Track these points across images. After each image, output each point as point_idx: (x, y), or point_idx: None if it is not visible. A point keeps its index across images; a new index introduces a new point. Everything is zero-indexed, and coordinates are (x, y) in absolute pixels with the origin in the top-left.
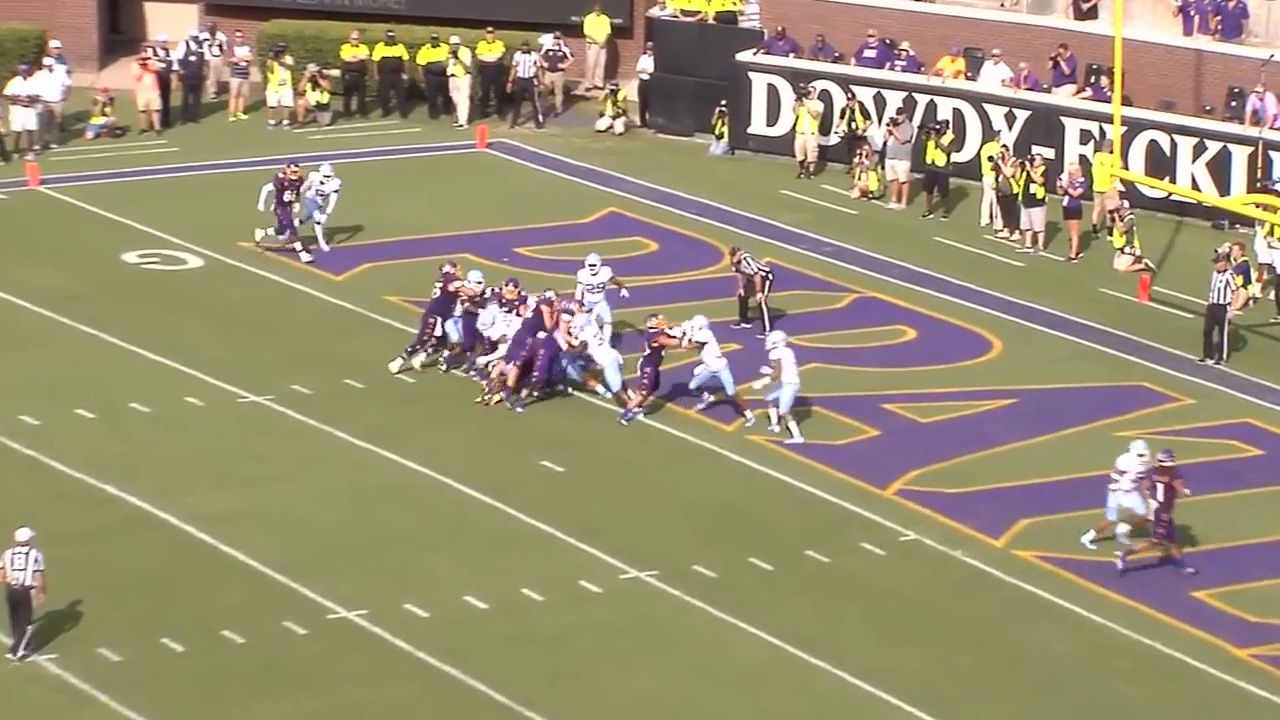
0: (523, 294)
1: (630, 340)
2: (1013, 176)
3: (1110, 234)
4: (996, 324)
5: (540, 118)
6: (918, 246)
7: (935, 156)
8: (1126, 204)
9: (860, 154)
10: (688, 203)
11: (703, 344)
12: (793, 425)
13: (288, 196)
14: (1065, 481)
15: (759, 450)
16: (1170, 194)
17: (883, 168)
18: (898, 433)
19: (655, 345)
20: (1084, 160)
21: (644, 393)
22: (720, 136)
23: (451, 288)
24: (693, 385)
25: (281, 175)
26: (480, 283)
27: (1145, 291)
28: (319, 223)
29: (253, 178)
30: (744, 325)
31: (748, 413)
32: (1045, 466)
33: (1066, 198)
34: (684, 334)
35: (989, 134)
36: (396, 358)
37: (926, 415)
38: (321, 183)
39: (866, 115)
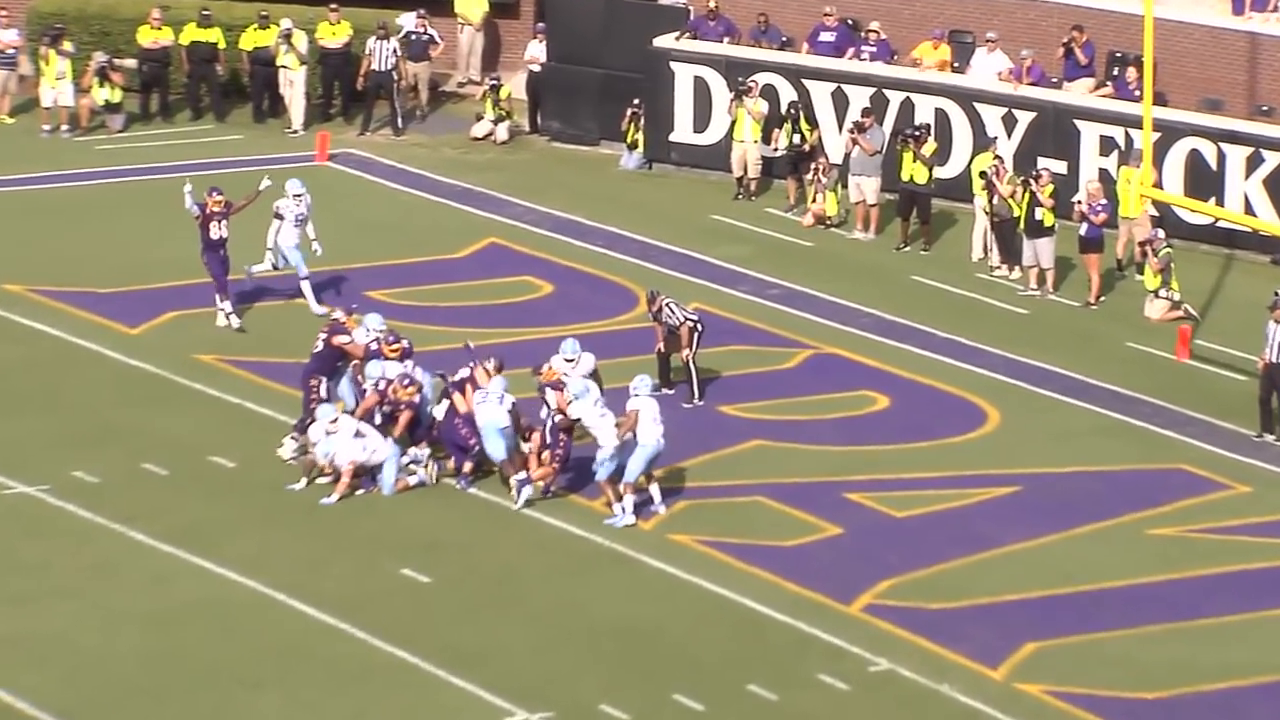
0: (408, 347)
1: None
2: (1012, 197)
3: (1140, 272)
4: (993, 389)
5: (399, 122)
6: (891, 288)
7: (913, 172)
8: (1161, 233)
9: (816, 169)
10: (592, 232)
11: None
12: (627, 503)
13: (216, 232)
14: (1083, 594)
15: (685, 555)
16: (1217, 220)
17: (845, 186)
18: (866, 530)
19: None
20: (1105, 177)
21: (555, 465)
22: (633, 146)
23: (336, 342)
24: (598, 472)
25: (203, 204)
26: (380, 330)
27: (1185, 346)
28: (304, 277)
29: (19, 201)
30: (665, 391)
31: (618, 506)
32: (1057, 574)
33: (1083, 225)
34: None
35: (982, 142)
36: (286, 438)
37: (903, 508)
38: (296, 199)
39: (813, 122)
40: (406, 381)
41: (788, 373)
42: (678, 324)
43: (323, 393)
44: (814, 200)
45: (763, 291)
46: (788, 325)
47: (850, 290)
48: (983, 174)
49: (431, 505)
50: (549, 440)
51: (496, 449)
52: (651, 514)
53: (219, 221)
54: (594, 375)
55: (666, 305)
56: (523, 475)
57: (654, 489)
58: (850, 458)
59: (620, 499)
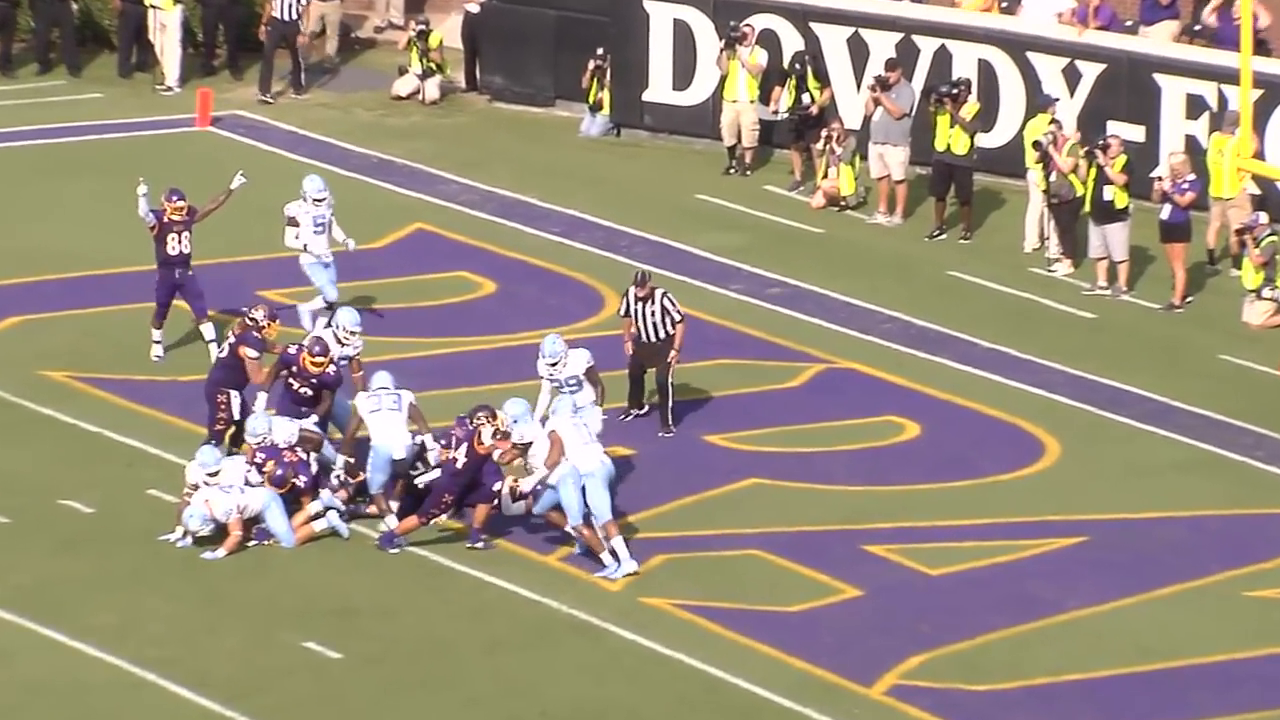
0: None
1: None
2: (1074, 172)
3: (1237, 266)
4: (1051, 414)
5: (302, 77)
6: (922, 286)
7: (950, 140)
8: (1264, 218)
9: (828, 137)
10: (545, 216)
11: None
12: (618, 545)
13: (174, 246)
14: (1163, 672)
15: (663, 623)
16: None
17: (864, 158)
18: (891, 592)
19: (481, 453)
20: (1193, 146)
21: (423, 519)
22: (597, 108)
23: (241, 353)
24: (537, 509)
25: (160, 210)
26: (348, 333)
27: None
28: (330, 299)
29: None
30: (636, 413)
31: (608, 557)
32: (1131, 647)
33: (1165, 207)
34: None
35: (1037, 103)
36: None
37: (938, 563)
38: (316, 202)
39: (824, 78)
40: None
41: (791, 393)
42: (676, 321)
43: (234, 411)
44: (825, 176)
45: (761, 291)
46: (792, 333)
47: (871, 289)
48: (1037, 143)
49: (343, 561)
50: (443, 483)
51: (376, 482)
52: (617, 574)
53: (179, 234)
54: (589, 376)
55: (665, 296)
56: (390, 525)
57: (610, 546)
58: (870, 500)
59: (610, 539)
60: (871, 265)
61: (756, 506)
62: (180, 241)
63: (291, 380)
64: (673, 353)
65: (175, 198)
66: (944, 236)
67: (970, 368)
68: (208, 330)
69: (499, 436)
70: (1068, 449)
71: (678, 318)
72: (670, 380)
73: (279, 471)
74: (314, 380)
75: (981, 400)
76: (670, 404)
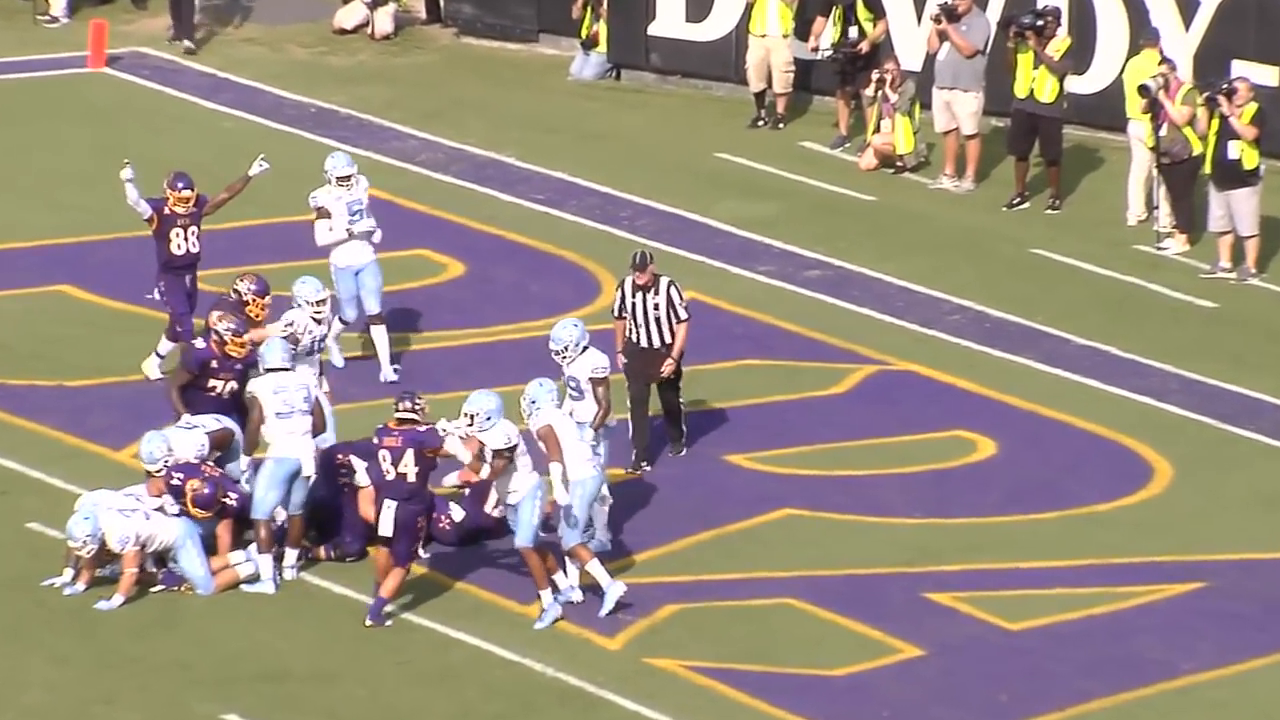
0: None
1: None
2: (1190, 124)
3: None
4: (1162, 427)
5: (195, 11)
6: (999, 268)
7: (1035, 84)
8: None
9: (881, 80)
10: (526, 180)
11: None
12: (563, 580)
13: (179, 244)
14: None
15: (674, 689)
16: None
17: (926, 107)
18: (961, 651)
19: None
20: None
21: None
22: (591, 44)
23: (226, 344)
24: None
25: (160, 200)
26: (309, 303)
27: None
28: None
29: None
30: (647, 467)
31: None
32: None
33: None
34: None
35: (1142, 38)
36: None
37: (1019, 615)
38: (342, 182)
39: (876, 7)
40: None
41: (835, 402)
42: (680, 319)
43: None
44: (877, 129)
45: (796, 274)
46: (836, 327)
47: (934, 271)
48: (1144, 88)
49: (272, 613)
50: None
51: (266, 503)
52: (616, 624)
53: (185, 229)
54: (594, 388)
55: (672, 286)
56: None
57: (598, 571)
58: (934, 536)
59: (556, 572)
60: (935, 241)
61: (791, 544)
62: (187, 239)
63: (213, 382)
64: (667, 363)
65: (180, 185)
66: (1026, 205)
67: (1060, 370)
68: (165, 346)
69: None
70: (1181, 472)
71: (683, 315)
72: (682, 402)
73: (206, 490)
74: (239, 369)
75: (1073, 411)
76: (684, 421)
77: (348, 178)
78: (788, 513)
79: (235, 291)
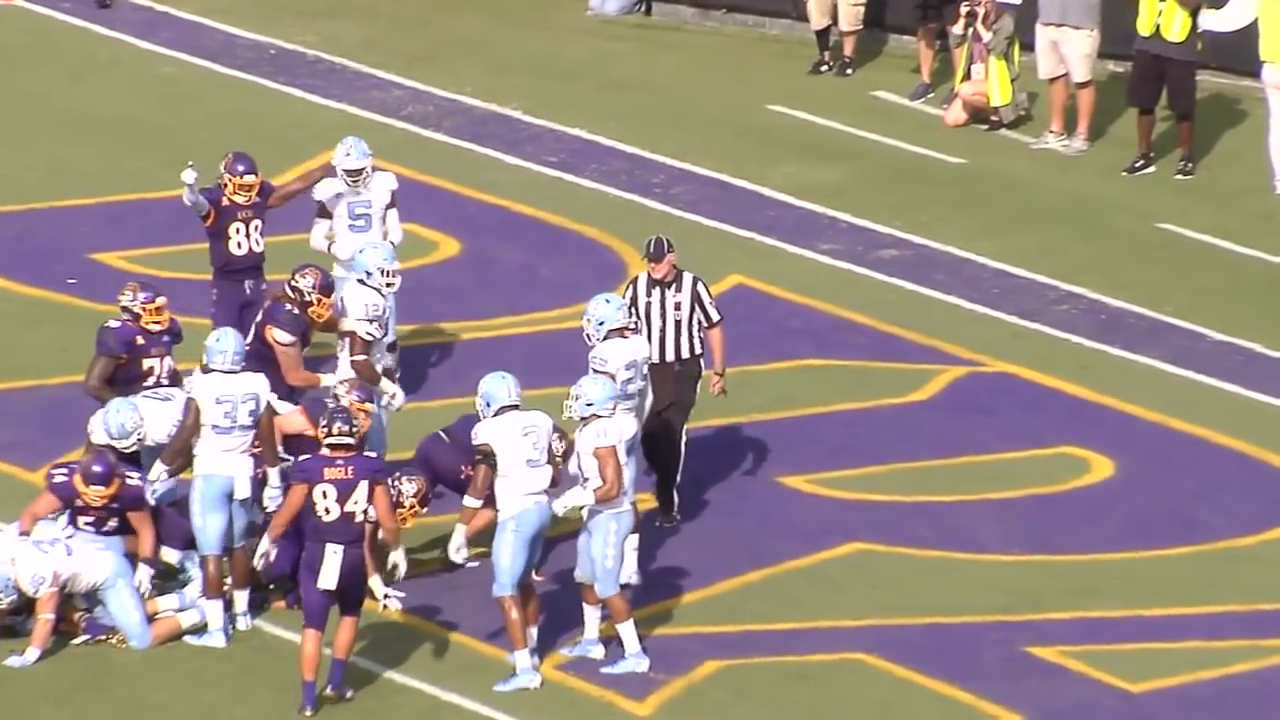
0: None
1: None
2: None
3: None
4: None
5: None
6: (1119, 247)
7: (1162, 19)
8: None
9: (971, 15)
10: (537, 138)
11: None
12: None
13: (240, 241)
14: None
15: None
16: None
17: (1028, 48)
18: (1073, 717)
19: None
20: None
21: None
22: None
23: (271, 337)
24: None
25: (216, 190)
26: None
27: None
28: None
29: None
30: (663, 522)
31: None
32: None
33: None
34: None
35: None
36: None
37: (1143, 673)
38: (352, 177)
39: None
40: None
41: (916, 411)
42: (712, 322)
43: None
44: (967, 76)
45: (868, 254)
46: (916, 319)
47: (1039, 251)
48: None
49: (223, 671)
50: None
51: (210, 532)
52: (647, 684)
53: (247, 223)
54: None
55: (699, 283)
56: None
57: (630, 636)
58: (1039, 577)
59: (535, 624)
60: (1039, 214)
61: (862, 585)
62: (249, 235)
63: (147, 363)
64: (716, 380)
65: (241, 168)
66: (1152, 169)
67: (1192, 372)
68: None
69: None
70: None
71: (715, 315)
72: (685, 437)
73: (98, 466)
74: (168, 342)
75: (1209, 423)
76: (680, 473)
77: (358, 171)
78: (857, 547)
79: (294, 290)
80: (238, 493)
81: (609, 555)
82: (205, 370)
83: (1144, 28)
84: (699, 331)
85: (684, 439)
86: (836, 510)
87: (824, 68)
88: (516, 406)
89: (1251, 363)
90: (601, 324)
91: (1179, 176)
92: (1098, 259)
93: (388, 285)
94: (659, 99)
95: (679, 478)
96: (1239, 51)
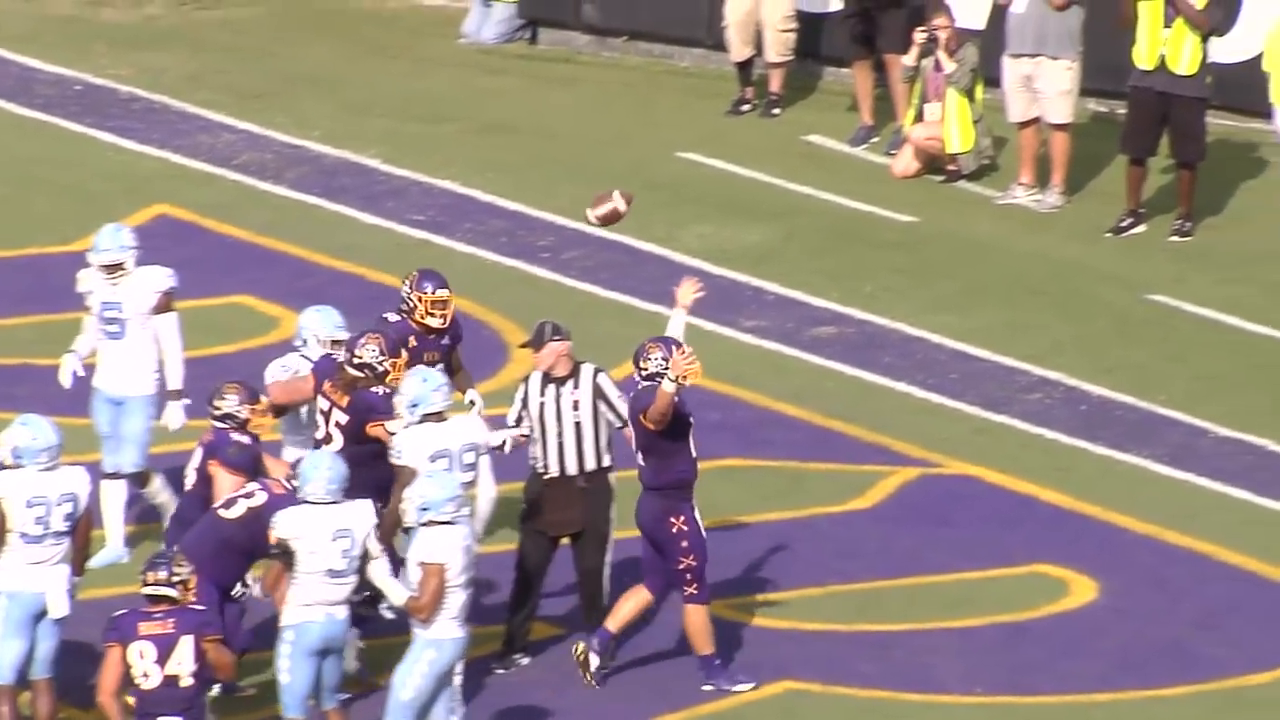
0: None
1: None
2: None
3: None
4: None
5: None
6: (1104, 323)
7: (1168, 47)
8: None
9: (932, 39)
10: (399, 194)
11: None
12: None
13: None
14: None
15: None
16: None
17: (992, 84)
18: None
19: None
20: None
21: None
22: None
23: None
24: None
25: (402, 332)
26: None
27: None
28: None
29: None
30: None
31: None
32: None
33: None
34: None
35: None
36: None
37: None
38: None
39: None
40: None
41: (859, 521)
42: (622, 422)
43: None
44: (919, 117)
45: (801, 331)
46: (860, 410)
47: (1005, 329)
48: None
49: None
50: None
51: (5, 660)
52: None
53: (431, 363)
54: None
55: (599, 376)
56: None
57: None
58: None
59: None
60: (1007, 284)
61: None
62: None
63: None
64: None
65: (430, 285)
66: (1142, 229)
67: (1193, 474)
68: None
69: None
70: None
71: (624, 415)
72: (608, 565)
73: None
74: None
75: (1213, 535)
76: (605, 605)
77: (112, 267)
78: (788, 686)
79: (361, 366)
80: (51, 611)
81: (408, 685)
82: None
83: (1145, 60)
84: (607, 437)
85: (607, 572)
86: (764, 641)
87: (746, 107)
88: (336, 502)
89: (1262, 464)
90: (414, 406)
91: (1175, 238)
92: (1078, 338)
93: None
94: (547, 145)
95: (605, 604)
96: (1246, 89)
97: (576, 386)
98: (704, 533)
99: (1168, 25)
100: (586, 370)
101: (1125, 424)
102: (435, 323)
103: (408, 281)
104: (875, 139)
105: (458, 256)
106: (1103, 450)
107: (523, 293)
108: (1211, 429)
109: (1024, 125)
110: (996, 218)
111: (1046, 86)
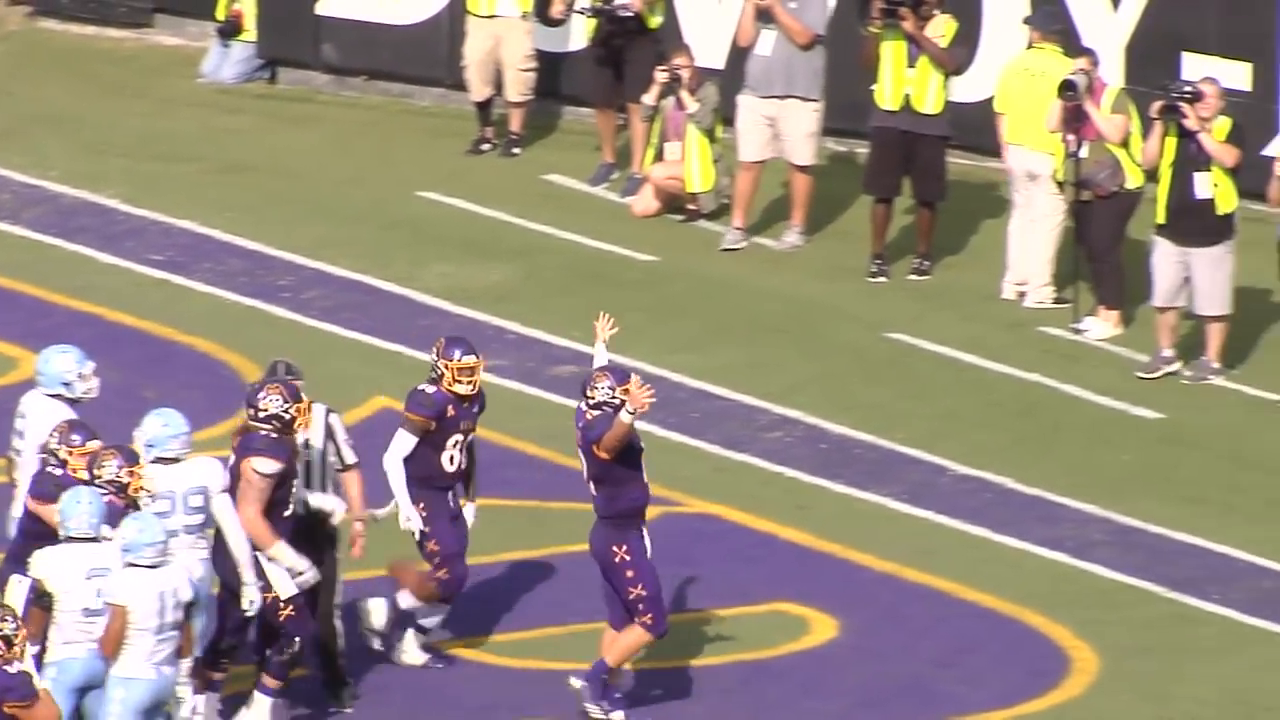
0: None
1: None
2: (1124, 146)
3: None
4: (1086, 598)
5: None
6: (845, 363)
7: (913, 87)
8: None
9: (675, 78)
10: (137, 234)
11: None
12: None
13: (452, 455)
14: None
15: None
16: None
17: (731, 124)
18: None
19: None
20: None
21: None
22: (233, 30)
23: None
24: None
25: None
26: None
27: None
28: None
29: None
30: None
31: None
32: None
33: None
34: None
35: (1032, 20)
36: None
37: None
38: None
39: None
40: None
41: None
42: (348, 463)
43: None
44: (659, 156)
45: (542, 371)
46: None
47: (745, 368)
48: (1068, 85)
49: None
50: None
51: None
52: None
53: (466, 434)
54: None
55: (330, 416)
56: None
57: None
58: None
59: None
60: (747, 323)
61: None
62: (463, 446)
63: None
64: (355, 534)
65: (460, 351)
66: (881, 275)
67: (932, 513)
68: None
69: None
70: (1112, 664)
71: (350, 458)
72: (338, 612)
73: None
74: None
75: (953, 574)
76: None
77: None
78: None
79: (269, 419)
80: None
81: None
82: None
83: (889, 100)
84: (335, 473)
85: (337, 614)
86: (503, 680)
87: (486, 146)
88: (94, 539)
89: (1000, 500)
90: (150, 446)
91: (913, 277)
92: (818, 376)
93: (86, 394)
94: (287, 184)
95: (342, 661)
96: (983, 128)
97: (308, 426)
98: (650, 560)
99: (911, 65)
100: (319, 410)
101: (865, 462)
102: (463, 389)
103: (435, 349)
104: (616, 176)
105: (196, 296)
106: (842, 488)
107: (262, 332)
108: (950, 466)
109: (749, 166)
110: (736, 257)
111: (792, 129)
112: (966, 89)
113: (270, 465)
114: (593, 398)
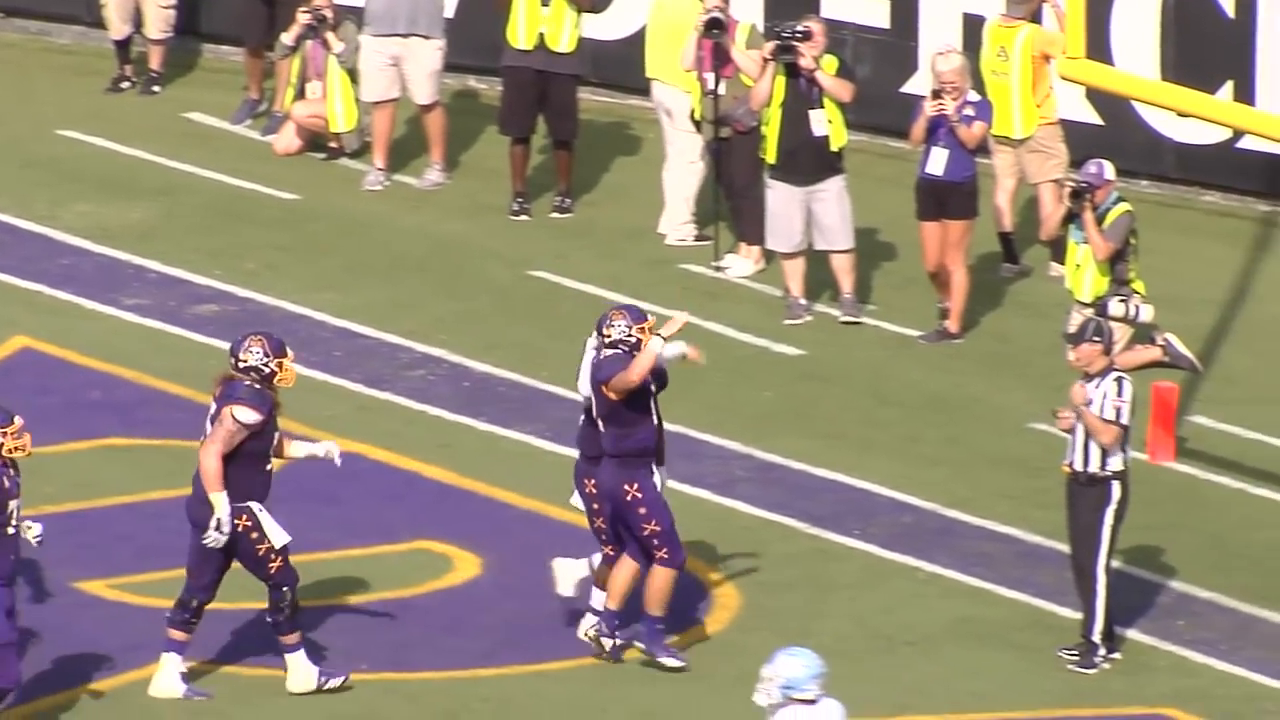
0: None
1: None
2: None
3: (1060, 259)
4: (724, 532)
5: None
6: (486, 300)
7: (547, 25)
8: (1108, 170)
9: (319, 18)
10: None
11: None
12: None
13: None
14: None
15: None
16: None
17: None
18: None
19: None
20: (972, 41)
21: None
22: None
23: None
24: None
25: None
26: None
27: (1167, 431)
28: None
29: None
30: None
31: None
32: None
33: (933, 152)
34: None
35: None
36: None
37: None
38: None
39: None
40: None
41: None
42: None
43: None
44: (301, 95)
45: (183, 309)
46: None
47: (388, 306)
48: (713, 23)
49: None
50: None
51: None
52: None
53: None
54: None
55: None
56: None
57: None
58: (394, 700)
59: None
60: (389, 262)
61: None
62: None
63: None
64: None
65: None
66: (525, 213)
67: (573, 450)
68: None
69: None
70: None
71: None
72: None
73: None
74: None
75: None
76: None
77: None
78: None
79: (248, 370)
80: None
81: None
82: None
83: (522, 40)
84: None
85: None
86: (148, 621)
87: (126, 84)
88: None
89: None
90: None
91: (555, 215)
92: (460, 315)
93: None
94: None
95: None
96: (625, 65)
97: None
98: (661, 495)
99: (545, 4)
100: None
101: (508, 400)
102: None
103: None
104: (260, 114)
105: None
106: (486, 426)
107: None
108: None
109: (380, 106)
110: (379, 196)
111: (414, 68)
112: (609, 26)
113: (250, 415)
114: (609, 336)
